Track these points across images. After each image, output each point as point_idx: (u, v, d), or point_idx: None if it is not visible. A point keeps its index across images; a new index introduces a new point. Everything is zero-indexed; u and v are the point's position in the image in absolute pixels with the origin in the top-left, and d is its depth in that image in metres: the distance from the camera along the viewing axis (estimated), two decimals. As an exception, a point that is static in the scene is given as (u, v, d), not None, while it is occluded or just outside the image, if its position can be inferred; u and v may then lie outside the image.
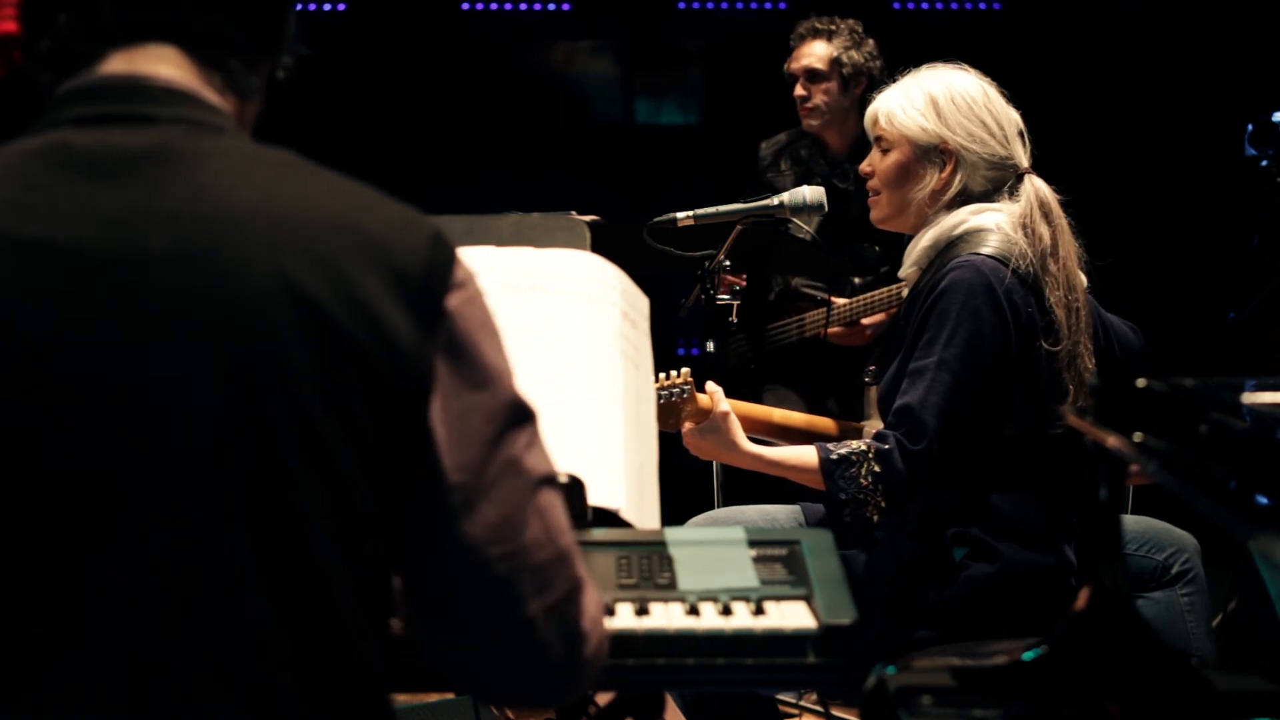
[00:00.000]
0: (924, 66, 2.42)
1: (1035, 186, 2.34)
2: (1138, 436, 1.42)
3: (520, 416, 1.21)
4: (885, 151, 2.41)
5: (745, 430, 2.40)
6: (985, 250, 2.27)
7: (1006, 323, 2.23)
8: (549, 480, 1.23)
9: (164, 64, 1.16)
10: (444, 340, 1.14)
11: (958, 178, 2.34)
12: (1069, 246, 2.33)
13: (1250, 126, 3.59)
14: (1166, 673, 1.58)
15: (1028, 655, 1.56)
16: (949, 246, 2.32)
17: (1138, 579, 2.48)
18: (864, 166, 2.46)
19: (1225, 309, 3.86)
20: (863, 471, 2.21)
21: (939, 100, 2.35)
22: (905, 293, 2.44)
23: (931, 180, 2.35)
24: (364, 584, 1.12)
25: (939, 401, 2.20)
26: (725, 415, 2.36)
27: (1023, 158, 2.37)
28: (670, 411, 2.44)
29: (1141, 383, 1.51)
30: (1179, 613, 2.48)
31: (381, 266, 1.12)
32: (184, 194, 1.09)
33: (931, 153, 2.35)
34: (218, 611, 1.06)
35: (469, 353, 1.16)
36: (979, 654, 2.18)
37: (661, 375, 2.41)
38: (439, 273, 1.16)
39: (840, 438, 2.58)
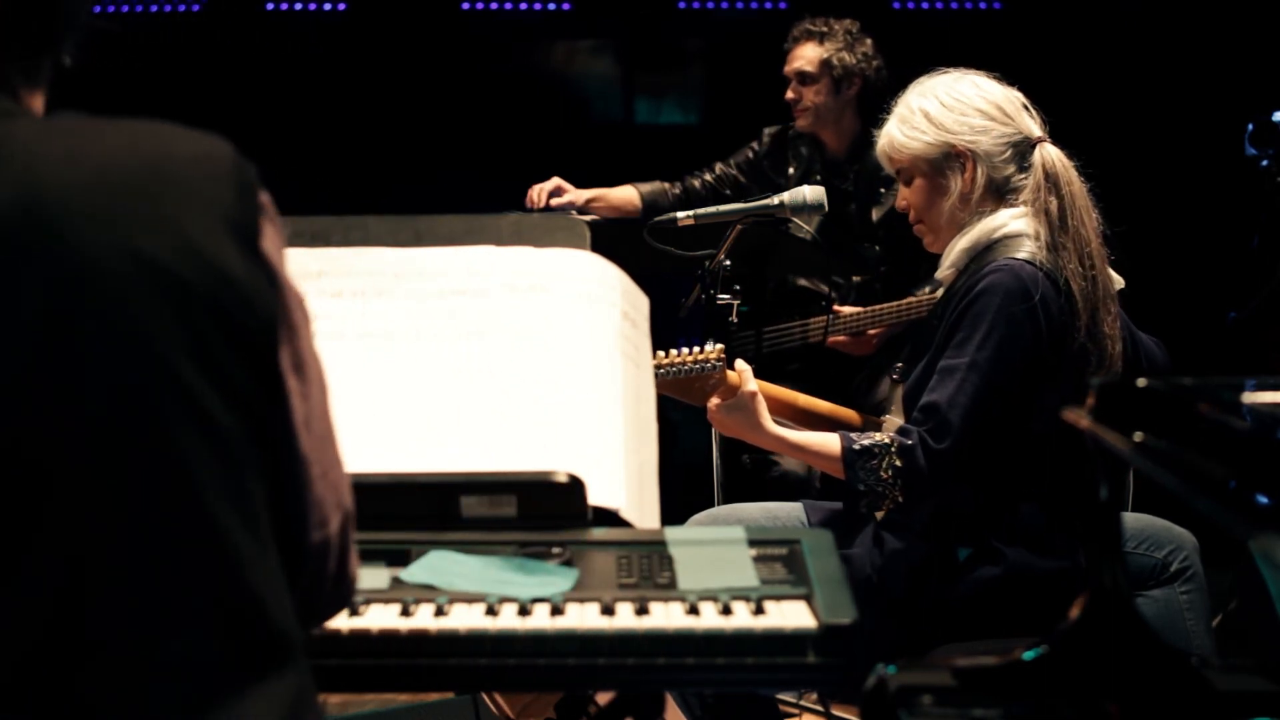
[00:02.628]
0: (910, 86, 2.41)
1: (1044, 157, 2.32)
2: (1138, 436, 1.42)
3: (310, 324, 1.24)
4: (908, 182, 2.41)
5: (770, 411, 2.43)
6: (1022, 255, 2.27)
7: (1040, 328, 2.23)
8: None
9: None
10: (268, 264, 1.16)
11: (980, 173, 2.33)
12: (1082, 214, 2.31)
13: (1250, 126, 3.59)
14: (1166, 673, 1.58)
15: (1028, 655, 1.56)
16: (986, 249, 2.32)
17: (1137, 577, 2.48)
18: (899, 204, 2.46)
19: (1225, 309, 3.85)
20: (884, 465, 2.22)
21: (929, 110, 2.35)
22: (940, 292, 2.44)
23: (957, 186, 2.34)
24: (259, 530, 1.13)
25: (966, 403, 2.20)
26: (753, 395, 2.39)
27: (1033, 127, 2.36)
28: (699, 385, 2.48)
29: (1141, 382, 1.51)
30: (1178, 611, 2.48)
31: (200, 204, 1.12)
32: None
33: (946, 161, 2.34)
34: (134, 577, 1.07)
35: (281, 271, 1.18)
36: (979, 654, 2.19)
37: (696, 349, 2.46)
38: (250, 198, 1.16)
39: (862, 429, 2.59)
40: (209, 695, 1.09)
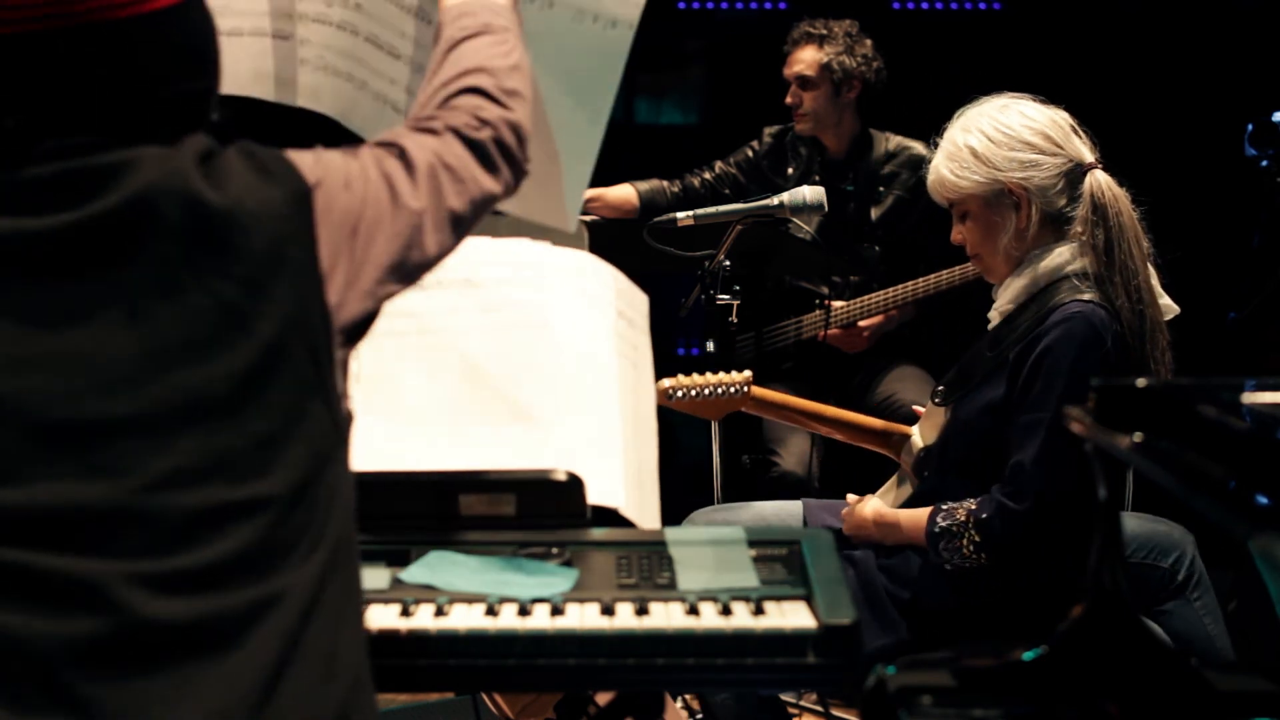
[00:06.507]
0: (955, 117, 2.35)
1: (1093, 185, 2.27)
2: (1138, 436, 1.42)
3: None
4: (961, 218, 2.36)
5: (795, 421, 2.56)
6: (1088, 295, 2.23)
7: (1115, 367, 2.20)
8: None
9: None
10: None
11: (1034, 209, 2.27)
12: (1131, 245, 2.27)
13: (1250, 126, 3.58)
14: (1166, 673, 1.58)
15: (1028, 655, 1.56)
16: (1051, 287, 2.27)
17: (1148, 588, 2.46)
18: (954, 238, 2.40)
19: (1225, 309, 3.85)
20: (964, 543, 2.22)
21: (976, 148, 2.28)
22: (994, 320, 2.38)
23: (1012, 222, 2.29)
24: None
25: (1049, 461, 2.17)
26: (867, 522, 2.39)
27: (1084, 152, 2.30)
28: (723, 405, 2.57)
29: (1141, 383, 1.51)
30: (1196, 619, 2.47)
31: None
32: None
33: (999, 198, 2.29)
34: None
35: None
36: (979, 654, 2.18)
37: (723, 374, 2.56)
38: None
39: (885, 435, 2.57)
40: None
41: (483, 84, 1.51)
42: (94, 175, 1.26)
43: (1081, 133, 2.33)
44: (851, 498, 2.46)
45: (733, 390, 2.50)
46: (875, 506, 2.41)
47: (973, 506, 2.23)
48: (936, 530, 2.24)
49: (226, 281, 1.27)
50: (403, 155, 1.43)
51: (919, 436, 2.47)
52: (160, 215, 1.26)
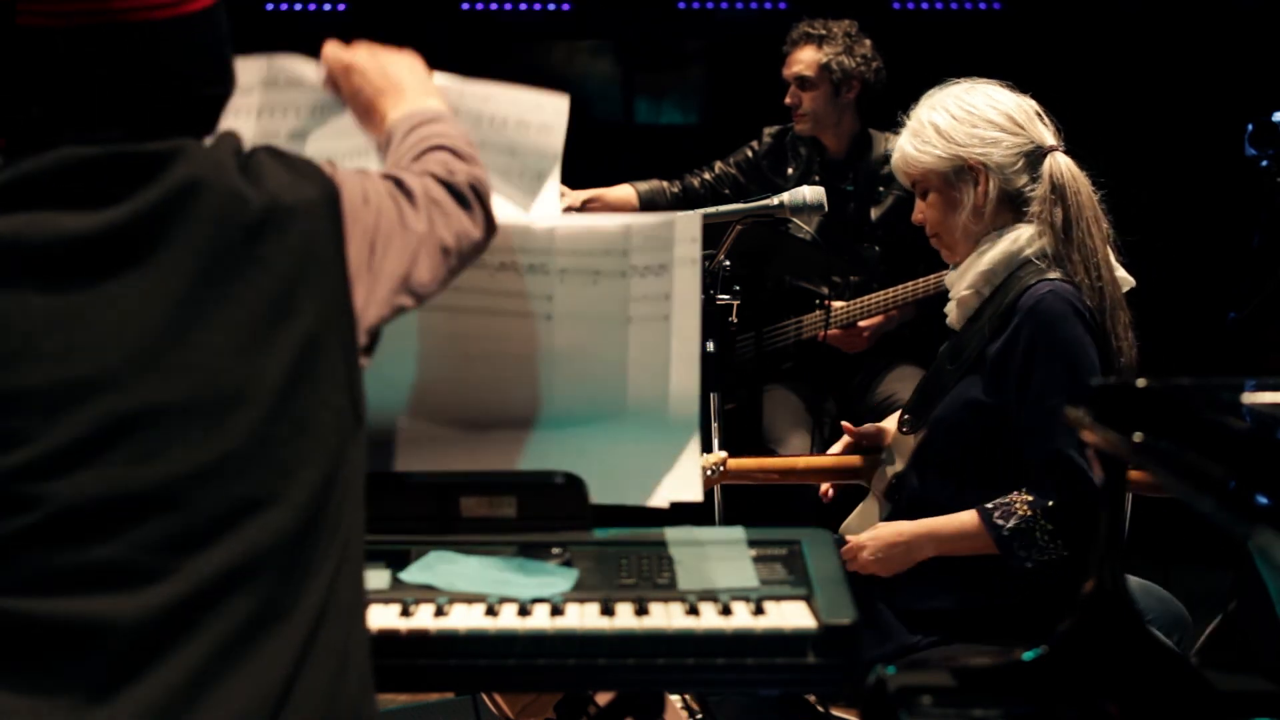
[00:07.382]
0: (923, 98, 2.38)
1: (1052, 167, 2.28)
2: (1138, 436, 1.42)
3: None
4: (923, 196, 2.37)
5: (773, 480, 2.58)
6: (1054, 274, 2.23)
7: (1094, 337, 2.22)
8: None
9: None
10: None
11: (992, 185, 2.28)
12: (1089, 224, 2.27)
13: (1250, 126, 3.58)
14: (1166, 673, 1.58)
15: (1028, 655, 1.56)
16: (1011, 276, 2.27)
17: None
18: (915, 218, 2.40)
19: (1225, 309, 3.85)
20: (1039, 536, 2.17)
21: (939, 124, 2.31)
22: (952, 311, 2.38)
23: (970, 199, 2.30)
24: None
25: (1080, 439, 2.15)
26: (878, 538, 2.32)
27: (1045, 136, 2.32)
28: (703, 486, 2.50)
29: (1141, 383, 1.51)
30: None
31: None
32: None
33: (959, 174, 2.30)
34: None
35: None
36: (979, 654, 2.18)
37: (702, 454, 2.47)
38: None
39: (855, 470, 2.56)
40: None
41: (446, 143, 1.58)
42: (142, 161, 1.29)
43: (1047, 119, 2.35)
44: (847, 535, 2.42)
45: (709, 472, 2.51)
46: (887, 534, 2.32)
47: (1029, 499, 2.19)
48: (1006, 533, 2.18)
49: (267, 275, 1.30)
50: (400, 184, 1.49)
51: (887, 468, 2.46)
52: (207, 206, 1.29)
